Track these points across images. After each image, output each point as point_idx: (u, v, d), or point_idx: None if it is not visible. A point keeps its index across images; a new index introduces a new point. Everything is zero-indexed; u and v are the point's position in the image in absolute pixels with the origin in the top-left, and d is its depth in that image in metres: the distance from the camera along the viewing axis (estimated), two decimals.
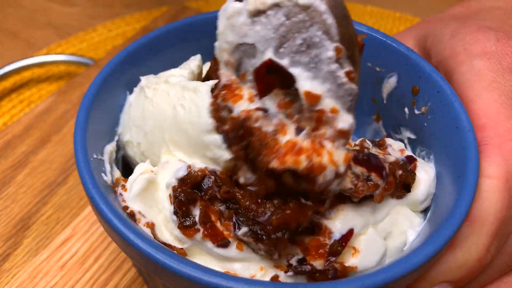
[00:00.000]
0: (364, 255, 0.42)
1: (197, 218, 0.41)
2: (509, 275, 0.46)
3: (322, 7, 0.35)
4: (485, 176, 0.42)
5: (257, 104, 0.39)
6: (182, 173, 0.42)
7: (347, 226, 0.42)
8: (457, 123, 0.44)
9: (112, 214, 0.38)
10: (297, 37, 0.37)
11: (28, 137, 0.72)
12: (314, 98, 0.37)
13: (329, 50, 0.36)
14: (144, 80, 0.51)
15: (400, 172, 0.45)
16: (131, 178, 0.45)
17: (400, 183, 0.45)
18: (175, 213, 0.41)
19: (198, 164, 0.43)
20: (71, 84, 0.82)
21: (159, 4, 1.07)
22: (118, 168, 0.49)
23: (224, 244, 0.41)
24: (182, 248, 0.42)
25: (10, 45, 0.98)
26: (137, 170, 0.45)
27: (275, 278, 0.40)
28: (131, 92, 0.52)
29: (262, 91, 0.39)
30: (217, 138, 0.42)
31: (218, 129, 0.41)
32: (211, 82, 0.44)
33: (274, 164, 0.37)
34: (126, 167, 0.52)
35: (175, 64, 0.55)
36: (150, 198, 0.44)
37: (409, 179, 0.45)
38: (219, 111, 0.41)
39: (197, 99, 0.43)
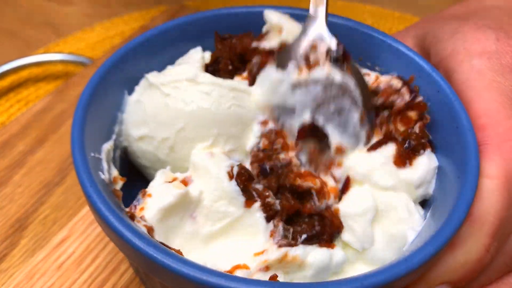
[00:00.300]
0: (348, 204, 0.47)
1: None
2: (509, 276, 0.46)
3: (352, 84, 0.47)
4: (485, 176, 0.42)
5: (294, 153, 0.49)
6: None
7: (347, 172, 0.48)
8: (457, 122, 0.44)
9: (109, 213, 0.38)
10: (331, 104, 0.48)
11: (26, 137, 0.72)
12: (341, 151, 0.48)
13: (355, 115, 0.48)
14: (151, 77, 0.51)
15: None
16: (154, 184, 0.46)
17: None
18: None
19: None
20: (68, 83, 0.81)
21: (158, 3, 1.07)
22: (115, 167, 0.48)
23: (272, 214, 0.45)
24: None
25: (8, 44, 0.98)
26: (158, 178, 0.46)
27: (273, 278, 0.40)
28: (129, 90, 0.52)
29: (299, 143, 0.49)
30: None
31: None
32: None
33: (298, 181, 0.46)
34: (123, 166, 0.52)
35: (173, 63, 0.55)
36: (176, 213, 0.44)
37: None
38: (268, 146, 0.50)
39: (251, 98, 0.50)
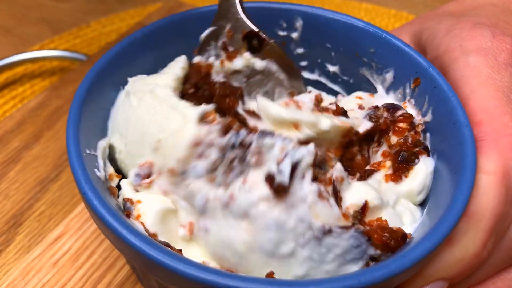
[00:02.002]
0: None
1: None
2: (506, 272, 0.46)
3: (274, 67, 0.53)
4: (482, 171, 0.42)
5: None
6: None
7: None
8: (454, 118, 0.44)
9: (104, 210, 0.37)
10: (258, 90, 0.55)
11: (21, 133, 0.72)
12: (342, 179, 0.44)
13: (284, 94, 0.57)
14: (130, 84, 0.50)
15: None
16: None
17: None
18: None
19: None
20: (64, 79, 0.81)
21: (154, 0, 1.07)
22: (112, 165, 0.48)
23: None
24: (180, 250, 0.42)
25: (3, 40, 0.97)
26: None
27: (270, 275, 0.40)
28: (124, 88, 0.52)
29: None
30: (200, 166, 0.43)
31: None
32: (200, 109, 0.44)
33: None
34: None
35: (169, 59, 0.54)
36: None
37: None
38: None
39: (184, 126, 0.43)
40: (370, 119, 0.49)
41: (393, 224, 0.43)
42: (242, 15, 0.53)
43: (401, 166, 0.47)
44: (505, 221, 0.43)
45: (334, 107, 0.50)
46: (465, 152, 0.41)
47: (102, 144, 0.47)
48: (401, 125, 0.49)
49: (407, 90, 0.51)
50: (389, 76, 0.53)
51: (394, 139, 0.48)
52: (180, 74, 0.51)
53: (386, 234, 0.40)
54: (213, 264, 0.43)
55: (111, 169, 0.47)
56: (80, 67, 0.83)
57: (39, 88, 0.84)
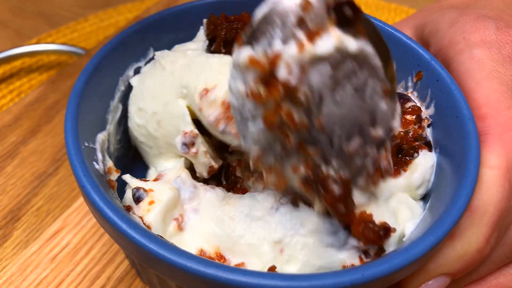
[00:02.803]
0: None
1: None
2: (508, 267, 0.46)
3: (370, 51, 0.35)
4: (485, 166, 0.42)
5: None
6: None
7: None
8: (457, 112, 0.44)
9: (104, 203, 0.37)
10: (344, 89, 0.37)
11: (18, 127, 0.71)
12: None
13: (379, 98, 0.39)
14: (158, 55, 0.52)
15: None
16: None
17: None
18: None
19: None
20: (62, 73, 0.80)
21: None
22: (110, 159, 0.47)
23: None
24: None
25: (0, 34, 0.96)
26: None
27: (272, 269, 0.39)
28: (123, 80, 0.51)
29: None
30: None
31: None
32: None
33: None
34: (119, 158, 0.51)
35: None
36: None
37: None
38: None
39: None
40: None
41: (381, 218, 0.43)
42: None
43: (400, 160, 0.46)
44: (508, 216, 0.43)
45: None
46: (469, 145, 0.41)
47: (101, 137, 0.47)
48: (408, 117, 0.48)
49: (409, 84, 0.51)
50: None
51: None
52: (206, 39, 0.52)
53: (365, 225, 0.41)
54: (208, 247, 0.43)
55: (110, 163, 0.46)
56: (78, 61, 0.83)
57: (37, 82, 0.84)
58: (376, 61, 0.35)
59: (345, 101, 0.35)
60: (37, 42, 0.90)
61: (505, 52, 0.48)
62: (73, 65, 0.82)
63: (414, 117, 0.48)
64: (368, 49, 0.34)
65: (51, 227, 0.59)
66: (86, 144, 0.43)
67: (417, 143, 0.47)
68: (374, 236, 0.41)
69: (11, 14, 1.01)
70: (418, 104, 0.50)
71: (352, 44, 0.33)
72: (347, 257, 0.43)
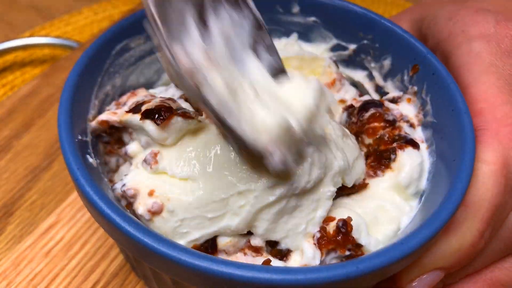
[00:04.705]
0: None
1: None
2: (503, 260, 0.46)
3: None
4: (481, 161, 0.42)
5: None
6: None
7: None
8: (453, 105, 0.43)
9: (97, 197, 0.37)
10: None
11: (11, 121, 0.70)
12: None
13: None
14: None
15: None
16: None
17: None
18: None
19: None
20: (55, 67, 0.79)
21: None
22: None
23: None
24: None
25: None
26: None
27: (267, 262, 0.39)
28: (118, 73, 0.51)
29: None
30: None
31: None
32: None
33: None
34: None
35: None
36: None
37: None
38: None
39: None
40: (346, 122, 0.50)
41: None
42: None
43: (378, 165, 0.46)
44: (503, 211, 0.43)
45: None
46: (464, 139, 0.41)
47: None
48: (374, 125, 0.48)
49: (405, 77, 0.50)
50: (387, 63, 0.52)
51: (368, 140, 0.48)
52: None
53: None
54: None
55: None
56: (72, 54, 0.82)
57: (30, 76, 0.83)
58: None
59: None
60: (31, 35, 0.90)
61: (504, 46, 0.47)
62: (66, 58, 0.81)
63: (380, 122, 0.48)
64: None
65: (45, 222, 0.59)
66: (80, 137, 0.43)
67: (395, 144, 0.46)
68: (333, 233, 0.41)
69: (3, 6, 1.00)
70: (413, 98, 0.49)
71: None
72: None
